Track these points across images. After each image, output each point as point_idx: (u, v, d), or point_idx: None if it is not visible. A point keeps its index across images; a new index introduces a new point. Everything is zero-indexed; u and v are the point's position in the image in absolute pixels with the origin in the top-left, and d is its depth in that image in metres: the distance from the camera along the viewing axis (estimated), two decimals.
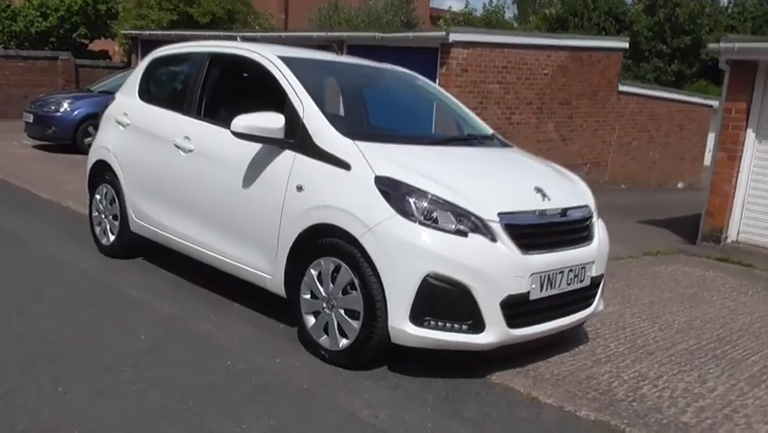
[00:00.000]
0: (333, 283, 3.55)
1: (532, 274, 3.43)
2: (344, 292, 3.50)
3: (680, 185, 16.93)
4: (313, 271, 3.64)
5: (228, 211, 4.12)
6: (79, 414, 2.92)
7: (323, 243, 3.59)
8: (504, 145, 4.55)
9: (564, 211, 3.76)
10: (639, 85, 16.14)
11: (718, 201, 8.79)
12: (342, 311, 3.52)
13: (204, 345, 3.74)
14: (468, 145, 4.34)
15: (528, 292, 3.42)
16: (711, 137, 18.12)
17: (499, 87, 11.61)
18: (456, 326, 3.31)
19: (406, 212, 3.32)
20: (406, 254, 3.27)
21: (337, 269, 3.52)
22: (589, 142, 13.79)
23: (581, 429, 3.12)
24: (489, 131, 4.68)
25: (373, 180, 3.44)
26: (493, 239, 3.35)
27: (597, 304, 4.03)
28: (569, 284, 3.68)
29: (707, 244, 8.72)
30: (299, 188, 3.70)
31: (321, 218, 3.58)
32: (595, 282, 3.93)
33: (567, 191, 3.95)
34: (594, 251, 3.87)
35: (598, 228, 4.03)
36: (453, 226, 3.32)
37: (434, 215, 3.33)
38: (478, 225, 3.34)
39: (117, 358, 3.48)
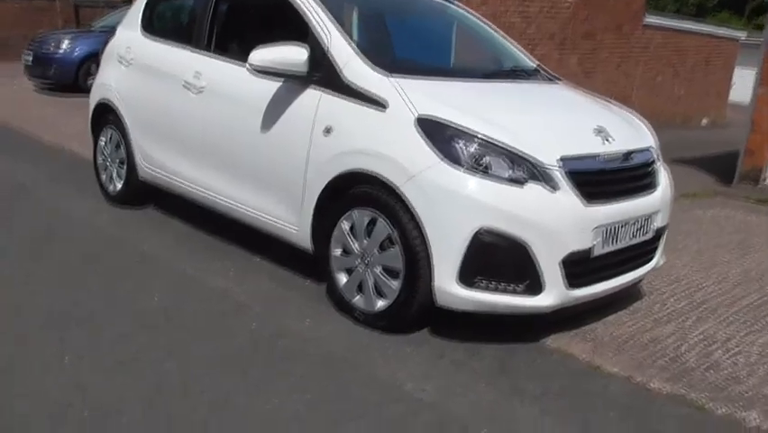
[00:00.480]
0: (368, 238, 3.15)
1: (595, 228, 3.01)
2: (382, 248, 3.10)
3: (703, 122, 16.31)
4: (345, 224, 3.24)
5: (246, 157, 3.70)
6: (89, 390, 2.58)
7: (356, 192, 3.17)
8: (551, 79, 4.06)
9: (628, 155, 3.32)
10: (665, 16, 15.34)
11: (759, 139, 8.29)
12: (378, 269, 3.13)
13: (224, 305, 3.38)
14: (514, 80, 3.85)
15: (591, 248, 3.02)
16: (737, 72, 17.42)
17: (521, 20, 10.94)
18: (510, 287, 2.92)
19: (453, 158, 2.89)
20: (454, 207, 2.85)
21: (373, 222, 3.12)
22: (613, 77, 13.14)
23: (656, 405, 2.75)
24: (534, 63, 4.18)
25: (415, 121, 2.99)
26: (553, 188, 2.92)
27: (658, 258, 3.62)
28: (633, 238, 3.27)
29: (744, 184, 8.27)
30: (327, 131, 3.26)
31: (353, 165, 3.15)
32: (658, 234, 3.52)
33: (629, 132, 3.49)
34: (659, 199, 3.44)
35: (663, 173, 3.59)
36: (508, 174, 2.89)
37: (486, 160, 2.89)
38: (536, 172, 2.91)
39: (131, 323, 3.13)
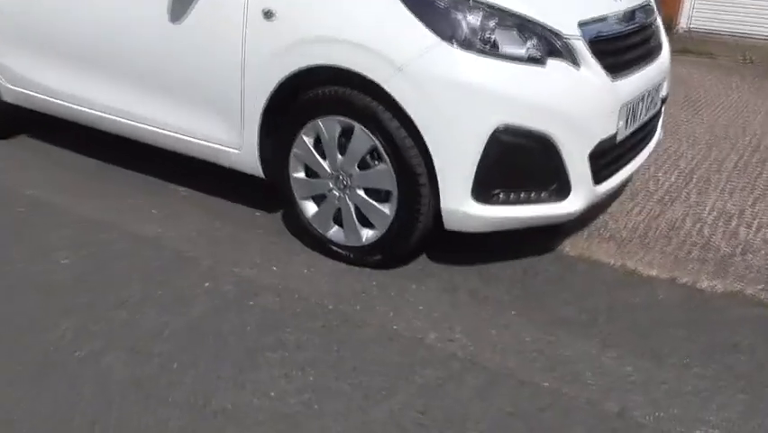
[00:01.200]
0: (341, 154, 2.44)
1: (621, 108, 2.46)
2: (363, 165, 2.42)
3: None
4: (306, 139, 2.51)
5: (156, 60, 2.80)
6: None
7: (319, 95, 2.42)
8: None
9: (632, 13, 2.73)
10: None
11: None
12: (361, 192, 2.45)
13: (160, 259, 2.62)
14: None
15: (616, 133, 2.47)
16: None
17: None
18: (534, 195, 2.34)
19: (454, 36, 2.18)
20: (462, 102, 2.18)
21: (347, 132, 2.41)
22: None
23: (718, 311, 2.34)
24: None
25: None
26: (576, 64, 2.31)
27: (660, 132, 3.16)
28: (647, 113, 2.75)
29: None
30: (268, 15, 2.43)
31: (312, 59, 2.37)
32: (662, 105, 3.03)
33: None
34: (664, 64, 2.93)
35: (662, 31, 3.06)
36: (524, 51, 2.23)
37: (493, 37, 2.21)
38: (556, 46, 2.27)
39: (38, 303, 2.32)
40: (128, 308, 2.31)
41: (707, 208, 3.13)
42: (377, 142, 2.33)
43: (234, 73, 2.56)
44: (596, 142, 2.37)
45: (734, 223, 2.99)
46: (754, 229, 2.93)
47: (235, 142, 2.70)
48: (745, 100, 5.16)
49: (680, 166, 3.67)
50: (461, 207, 2.29)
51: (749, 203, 3.20)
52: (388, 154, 2.32)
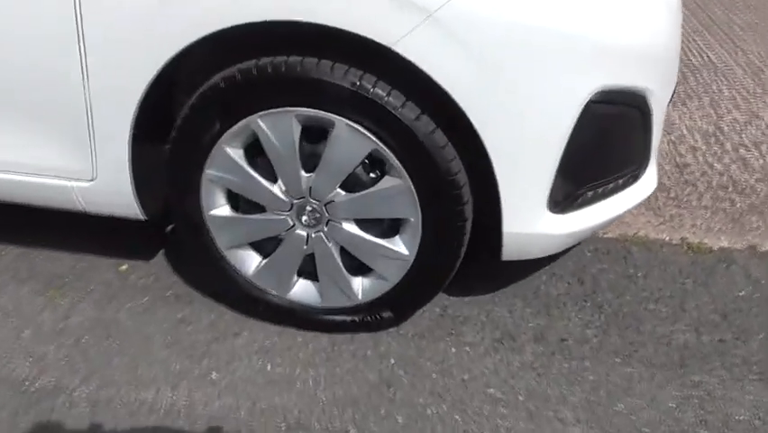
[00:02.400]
0: (308, 169, 1.41)
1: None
2: (352, 184, 1.41)
3: None
4: (230, 151, 1.42)
5: None
6: None
7: (254, 75, 1.33)
8: None
9: None
10: None
11: None
12: (351, 227, 1.46)
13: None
14: None
15: None
16: None
17: None
18: (613, 183, 1.52)
19: None
20: (540, 60, 1.27)
21: (313, 134, 1.37)
22: None
23: None
24: None
25: None
26: None
27: None
28: None
29: None
30: None
31: (245, 15, 1.27)
32: None
33: None
34: None
35: None
36: None
37: None
38: None
39: None
40: None
41: (684, 130, 2.59)
42: (379, 143, 1.34)
43: (68, 57, 1.35)
44: (674, 84, 1.62)
45: (727, 145, 2.48)
46: (755, 151, 2.44)
47: (79, 169, 1.50)
48: None
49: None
50: (535, 226, 1.41)
51: (711, 115, 2.72)
52: (402, 161, 1.35)
